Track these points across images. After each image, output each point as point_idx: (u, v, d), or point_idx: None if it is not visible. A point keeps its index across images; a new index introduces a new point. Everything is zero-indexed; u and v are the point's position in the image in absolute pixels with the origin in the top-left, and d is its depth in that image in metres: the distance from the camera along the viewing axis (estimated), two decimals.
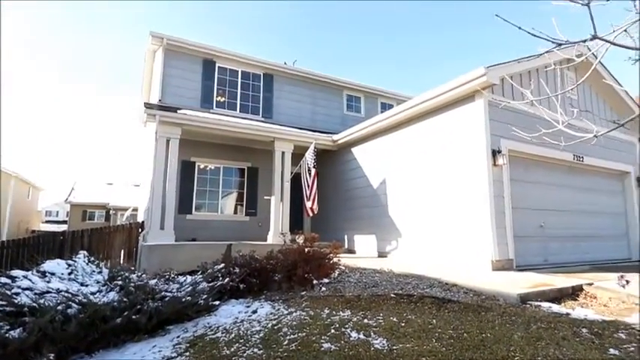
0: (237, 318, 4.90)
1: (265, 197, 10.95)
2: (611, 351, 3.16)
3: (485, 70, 6.35)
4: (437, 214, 7.36)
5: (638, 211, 9.43)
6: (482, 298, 4.77)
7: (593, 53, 2.33)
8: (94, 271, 5.99)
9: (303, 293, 5.52)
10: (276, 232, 9.87)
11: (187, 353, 3.69)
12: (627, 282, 4.94)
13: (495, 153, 6.63)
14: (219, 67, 11.66)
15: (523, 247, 6.92)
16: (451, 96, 7.06)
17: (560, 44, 1.99)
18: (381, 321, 3.93)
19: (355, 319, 4.07)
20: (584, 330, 3.62)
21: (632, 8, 1.90)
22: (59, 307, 4.05)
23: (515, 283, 5.23)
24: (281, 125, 11.25)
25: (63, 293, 4.40)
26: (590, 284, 5.23)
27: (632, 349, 3.21)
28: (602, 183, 9.10)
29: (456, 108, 7.16)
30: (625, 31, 1.94)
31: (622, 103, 9.54)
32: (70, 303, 4.22)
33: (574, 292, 5.03)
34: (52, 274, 5.12)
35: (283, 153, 10.20)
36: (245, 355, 3.43)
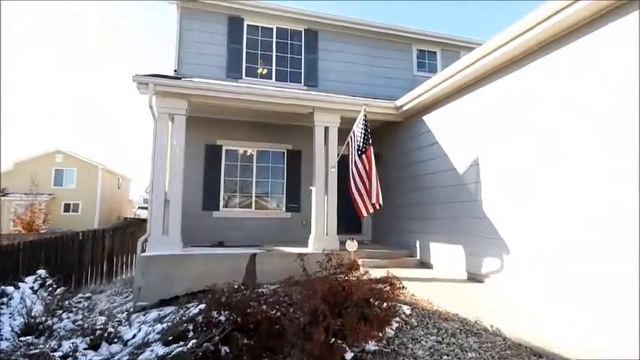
0: None
1: (310, 187, 8.39)
2: None
3: None
4: (590, 214, 4.04)
5: None
6: None
7: None
8: (28, 306, 4.05)
9: None
10: (320, 234, 7.30)
11: None
12: None
13: None
14: (248, 25, 9.27)
15: None
16: None
17: None
18: None
19: None
20: None
21: None
22: None
23: None
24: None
25: None
26: None
27: None
28: None
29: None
30: None
31: None
32: None
33: None
34: None
35: (327, 129, 7.49)
36: None
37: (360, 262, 7.07)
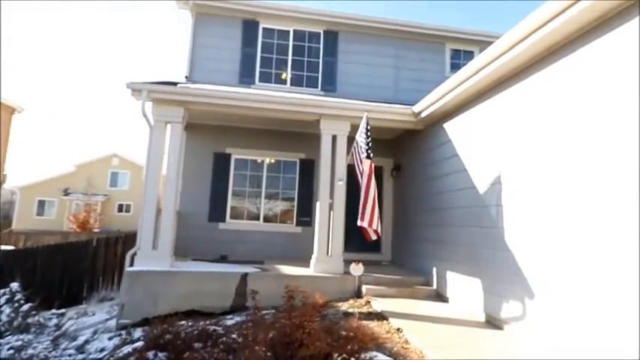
0: None
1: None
2: None
3: None
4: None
5: None
6: None
7: None
8: None
9: None
10: (323, 255, 6.60)
11: None
12: None
13: None
14: (263, 28, 8.86)
15: None
16: None
17: None
18: None
19: None
20: None
21: None
22: None
23: None
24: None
25: None
26: None
27: None
28: None
29: None
30: None
31: None
32: None
33: None
34: None
35: (334, 137, 6.80)
36: None
37: (364, 289, 6.28)
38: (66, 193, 29.64)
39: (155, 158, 6.26)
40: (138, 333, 3.89)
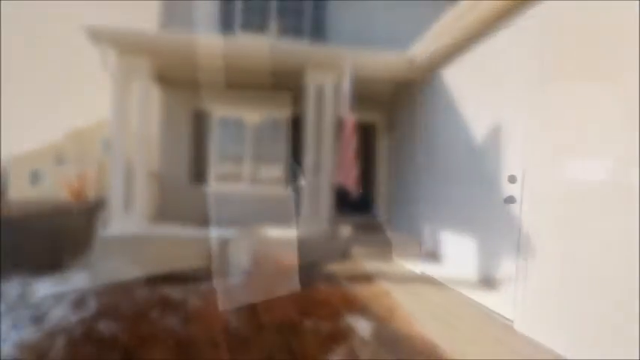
0: None
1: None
2: None
3: None
4: None
5: None
6: None
7: None
8: None
9: None
10: (310, 215, 6.20)
11: None
12: None
13: None
14: None
15: None
16: None
17: None
18: None
19: None
20: None
21: None
22: None
23: None
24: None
25: None
26: None
27: None
28: None
29: None
30: None
31: None
32: None
33: None
34: None
35: (321, 90, 6.19)
36: None
37: (353, 250, 5.93)
38: (59, 162, 29.11)
39: (120, 113, 5.71)
40: (96, 301, 3.53)
